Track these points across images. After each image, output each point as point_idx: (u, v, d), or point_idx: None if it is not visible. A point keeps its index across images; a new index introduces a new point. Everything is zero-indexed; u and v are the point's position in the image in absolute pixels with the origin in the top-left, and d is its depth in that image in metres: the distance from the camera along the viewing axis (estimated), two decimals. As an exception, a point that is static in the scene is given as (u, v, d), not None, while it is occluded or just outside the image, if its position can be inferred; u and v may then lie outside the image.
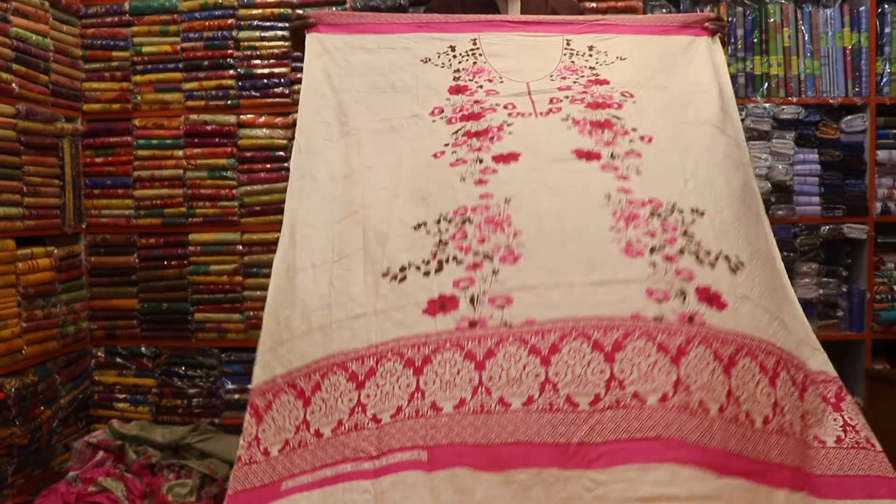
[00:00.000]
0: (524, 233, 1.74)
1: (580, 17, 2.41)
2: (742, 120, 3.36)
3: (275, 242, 3.44)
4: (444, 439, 1.53)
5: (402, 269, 1.77)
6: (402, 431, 1.57)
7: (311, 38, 2.27)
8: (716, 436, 1.52)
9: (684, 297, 1.65)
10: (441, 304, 1.68)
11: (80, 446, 3.36)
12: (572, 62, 2.22)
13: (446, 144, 2.00)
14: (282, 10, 3.56)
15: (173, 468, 3.23)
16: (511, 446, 1.50)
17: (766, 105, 3.38)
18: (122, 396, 3.68)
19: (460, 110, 2.08)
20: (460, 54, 2.24)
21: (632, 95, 2.10)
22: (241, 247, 3.61)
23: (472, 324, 1.64)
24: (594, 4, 3.41)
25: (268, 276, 3.50)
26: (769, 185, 3.37)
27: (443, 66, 2.22)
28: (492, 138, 1.96)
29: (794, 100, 3.41)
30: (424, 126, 2.07)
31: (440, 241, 1.78)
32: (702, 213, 1.81)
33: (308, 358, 1.73)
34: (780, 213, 3.39)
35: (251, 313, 3.63)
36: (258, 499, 1.61)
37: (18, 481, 3.11)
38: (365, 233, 1.88)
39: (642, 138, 1.97)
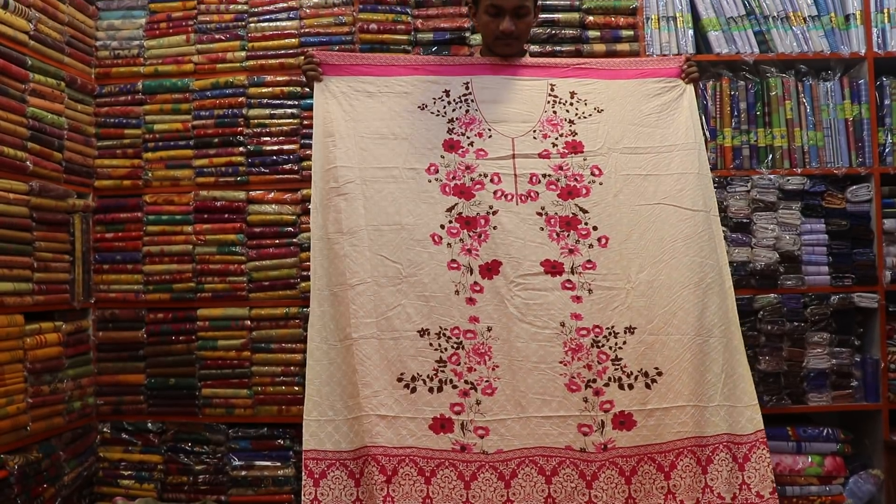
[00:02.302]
0: (500, 366, 2.29)
1: (564, 61, 2.69)
2: (748, 191, 3.40)
3: (283, 317, 3.56)
4: None
5: (413, 378, 2.28)
6: None
7: (318, 87, 2.52)
8: None
9: (603, 428, 2.24)
10: (441, 424, 2.25)
11: (83, 526, 3.30)
12: (554, 112, 2.53)
13: (442, 227, 2.42)
14: (291, 88, 3.64)
15: (177, 548, 3.17)
16: None
17: (772, 176, 3.41)
18: (127, 473, 3.63)
19: (453, 177, 2.46)
20: (454, 100, 2.53)
21: (601, 172, 2.49)
22: (249, 322, 3.61)
23: (463, 448, 2.24)
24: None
25: (276, 351, 3.59)
26: (777, 256, 3.38)
27: (437, 115, 2.52)
28: (480, 235, 2.41)
29: (799, 171, 3.44)
30: (422, 184, 2.45)
31: (440, 358, 2.30)
32: (633, 331, 2.32)
33: (353, 444, 2.21)
34: (790, 283, 3.38)
35: (259, 389, 3.61)
36: None
37: (19, 565, 3.04)
38: (378, 317, 2.30)
39: (600, 241, 2.43)
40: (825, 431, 3.31)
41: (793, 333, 3.36)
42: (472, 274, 2.37)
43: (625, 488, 2.18)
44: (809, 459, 3.29)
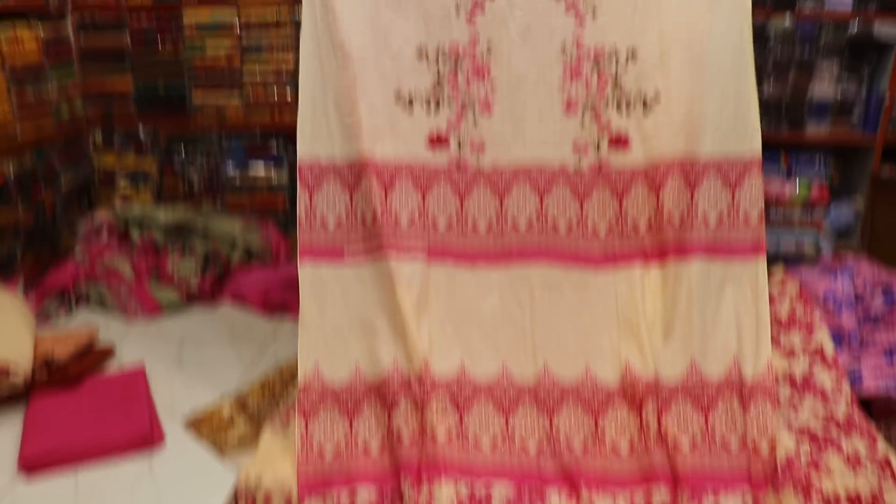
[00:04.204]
0: (498, 86, 2.24)
1: None
2: None
3: (274, 21, 3.38)
4: (439, 245, 2.25)
5: (410, 96, 2.24)
6: (414, 235, 2.22)
7: None
8: (601, 246, 2.22)
9: (598, 149, 2.23)
10: (438, 140, 2.25)
11: (85, 227, 3.41)
12: None
13: None
14: None
15: (177, 247, 3.30)
16: (476, 252, 2.25)
17: None
18: (123, 179, 3.68)
19: None
20: None
21: None
22: (238, 26, 3.45)
23: (458, 163, 2.25)
24: None
25: (267, 59, 3.46)
26: (798, -25, 3.14)
27: None
28: None
29: None
30: None
31: (438, 77, 2.24)
32: (635, 53, 2.22)
33: (347, 154, 2.20)
34: (808, 5, 3.18)
35: (250, 95, 3.55)
36: (326, 257, 2.21)
37: (28, 260, 3.19)
38: (375, 35, 2.22)
39: None
40: (817, 161, 3.32)
41: (802, 60, 3.24)
42: None
43: (615, 205, 2.23)
44: (797, 186, 3.34)
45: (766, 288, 2.17)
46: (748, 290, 2.18)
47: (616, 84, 2.22)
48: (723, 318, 2.16)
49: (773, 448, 2.01)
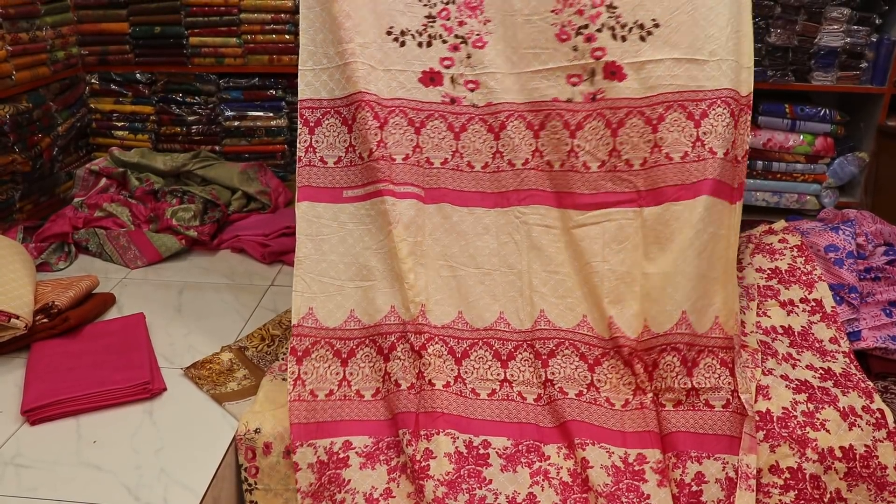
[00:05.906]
0: (492, 20, 2.19)
1: None
2: None
3: (269, -36, 3.31)
4: (434, 183, 2.22)
5: (402, 33, 2.19)
6: (409, 172, 2.19)
7: None
8: (592, 184, 2.16)
9: (593, 78, 2.13)
10: (431, 78, 2.22)
11: (83, 174, 3.39)
12: None
13: None
14: None
15: (176, 194, 3.29)
16: (472, 192, 2.22)
17: None
18: (120, 124, 3.66)
19: None
20: None
21: None
22: (235, -34, 3.37)
23: (452, 100, 2.22)
24: None
25: (265, 1, 3.39)
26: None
27: None
28: None
29: None
30: None
31: (430, 14, 2.20)
32: None
33: (346, 91, 2.17)
34: (821, -51, 3.10)
35: (248, 37, 3.49)
36: (324, 196, 2.20)
37: (27, 207, 3.18)
38: None
39: None
40: (822, 112, 3.27)
41: (811, 6, 3.16)
42: None
43: (610, 140, 2.14)
44: (801, 138, 3.29)
45: (738, 235, 2.10)
46: (728, 238, 2.10)
47: (612, 9, 2.12)
48: (712, 266, 2.09)
49: (741, 405, 1.99)
